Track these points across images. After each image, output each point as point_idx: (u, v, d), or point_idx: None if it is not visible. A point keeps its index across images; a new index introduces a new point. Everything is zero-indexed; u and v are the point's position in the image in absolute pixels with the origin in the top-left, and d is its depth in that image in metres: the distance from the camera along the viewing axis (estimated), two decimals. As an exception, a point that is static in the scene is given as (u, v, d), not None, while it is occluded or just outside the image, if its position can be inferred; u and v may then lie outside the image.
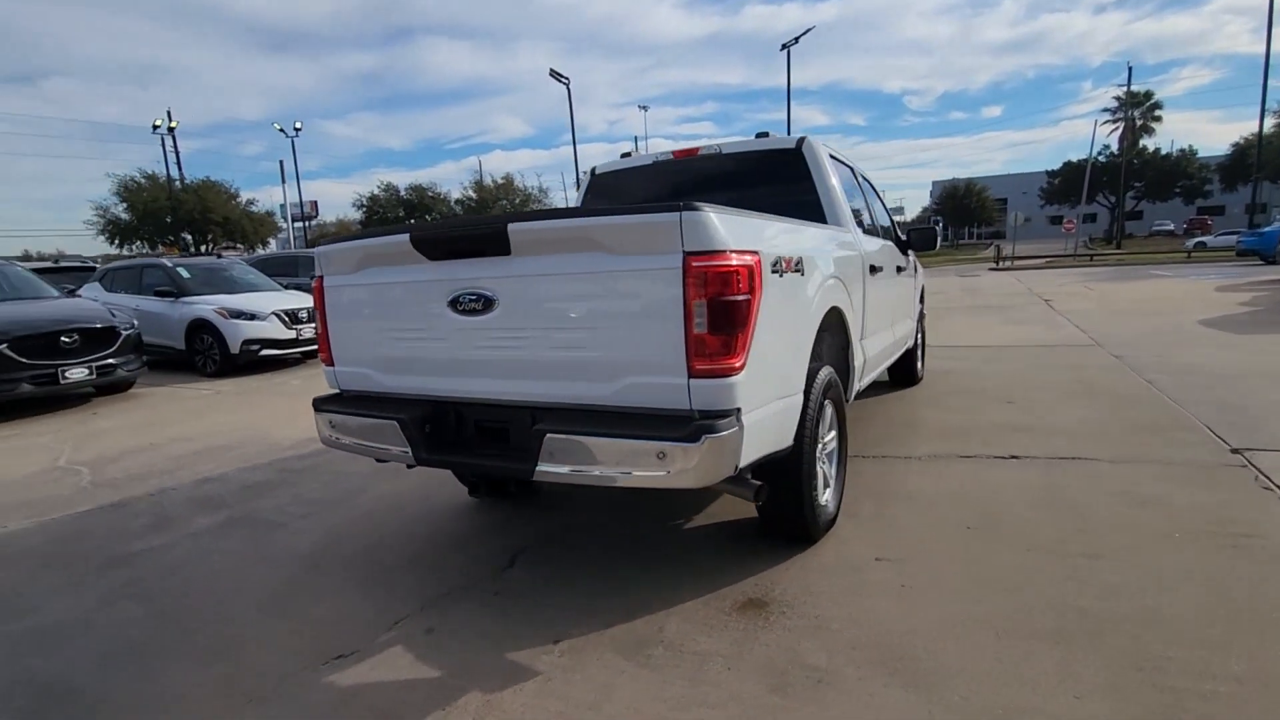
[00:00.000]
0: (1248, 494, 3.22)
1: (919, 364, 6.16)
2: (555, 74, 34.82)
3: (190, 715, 2.07)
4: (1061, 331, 8.99)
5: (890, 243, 4.79)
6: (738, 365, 2.10)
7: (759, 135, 3.88)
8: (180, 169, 40.88)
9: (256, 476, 4.44)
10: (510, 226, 2.24)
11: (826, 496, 3.06)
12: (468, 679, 2.16)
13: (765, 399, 2.31)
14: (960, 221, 64.08)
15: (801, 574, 2.70)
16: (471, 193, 43.83)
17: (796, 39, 30.12)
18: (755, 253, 2.20)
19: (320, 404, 2.86)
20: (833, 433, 3.15)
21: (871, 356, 3.85)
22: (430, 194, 44.16)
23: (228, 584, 2.96)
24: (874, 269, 3.78)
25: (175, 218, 37.06)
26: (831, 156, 3.93)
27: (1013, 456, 3.98)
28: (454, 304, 2.44)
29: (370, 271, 2.67)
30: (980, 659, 2.10)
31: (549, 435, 2.21)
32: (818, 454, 2.94)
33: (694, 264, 2.02)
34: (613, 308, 2.19)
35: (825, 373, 2.91)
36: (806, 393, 2.71)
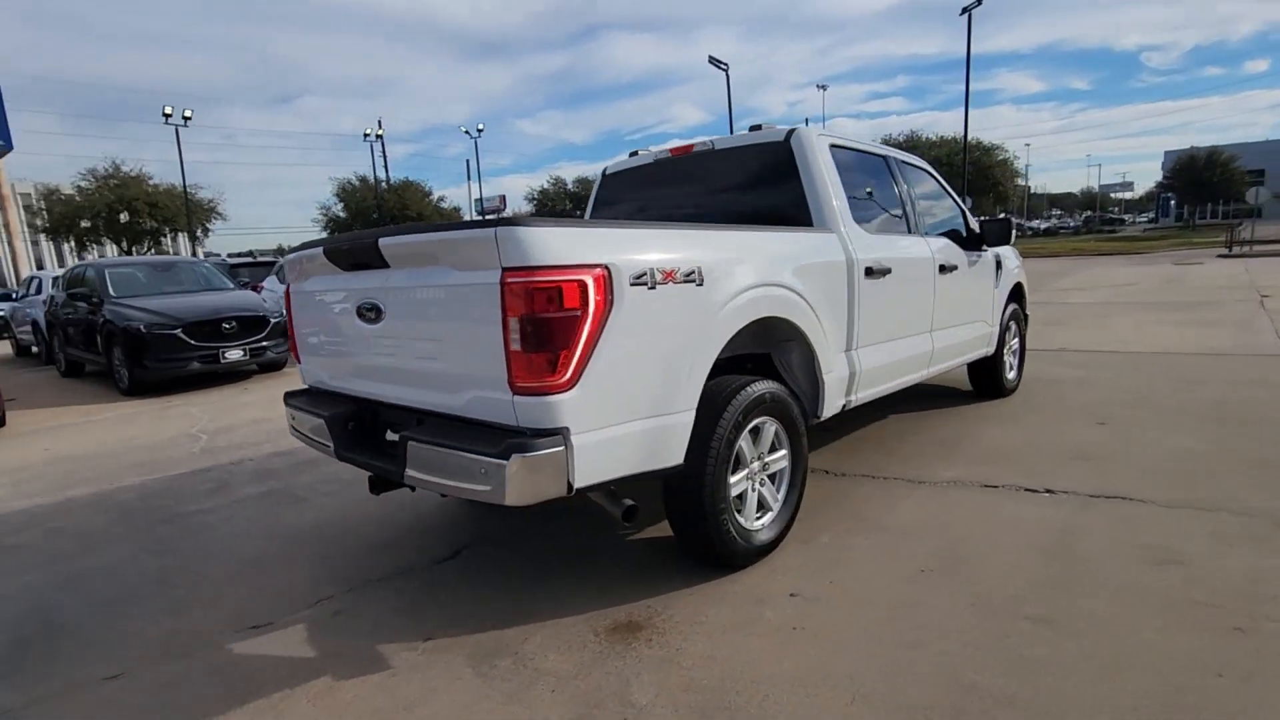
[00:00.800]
0: (1323, 565, 2.50)
1: (1008, 373, 5.42)
2: (714, 61, 34.57)
3: (118, 657, 2.44)
4: (1252, 337, 7.41)
5: (943, 240, 4.27)
6: (562, 383, 2.04)
7: (752, 128, 3.63)
8: (387, 171, 46.38)
9: (317, 454, 5.01)
10: (380, 241, 2.34)
11: (763, 521, 2.85)
12: (330, 664, 2.33)
13: (620, 417, 2.21)
14: (1199, 198, 54.37)
15: (699, 602, 2.56)
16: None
17: (979, 0, 27.19)
18: (600, 266, 2.11)
19: (287, 398, 3.19)
20: (779, 453, 2.92)
21: (871, 369, 3.48)
22: (596, 185, 45.98)
23: (227, 549, 3.41)
24: (873, 272, 3.40)
25: (379, 214, 42.14)
26: (838, 147, 3.58)
27: (1048, 490, 3.40)
28: (359, 312, 2.60)
29: (313, 280, 2.92)
30: (813, 723, 1.87)
31: (410, 442, 2.30)
32: (746, 475, 2.76)
33: (510, 280, 1.99)
34: (455, 321, 2.22)
35: (759, 388, 2.71)
36: (715, 411, 2.55)
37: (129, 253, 37.02)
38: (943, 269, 4.11)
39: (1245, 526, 2.85)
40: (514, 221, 2.00)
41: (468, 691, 2.12)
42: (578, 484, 2.12)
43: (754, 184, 3.58)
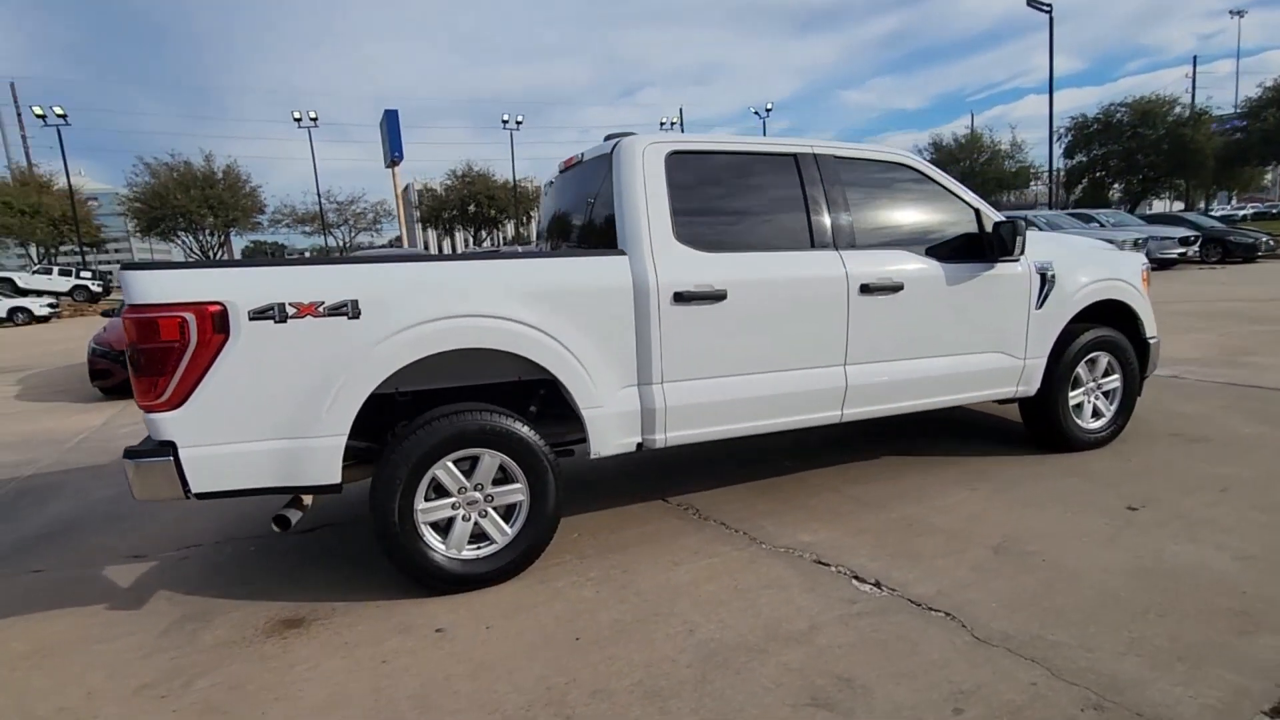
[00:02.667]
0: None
1: (1084, 421, 4.09)
2: (1035, 3, 29.32)
3: (57, 559, 3.48)
4: None
5: (884, 252, 3.48)
6: (162, 404, 2.39)
7: (608, 137, 3.38)
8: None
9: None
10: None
11: (479, 552, 2.84)
12: (121, 597, 3.01)
13: (240, 436, 2.47)
14: None
15: (366, 615, 2.69)
16: (928, 154, 40.52)
17: None
18: (213, 303, 2.39)
19: None
20: (512, 485, 2.86)
21: (697, 405, 3.10)
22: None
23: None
24: (688, 297, 2.99)
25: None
26: (691, 153, 3.18)
27: (875, 584, 2.68)
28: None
29: None
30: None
31: (153, 436, 2.87)
32: (453, 505, 2.79)
33: (126, 315, 2.39)
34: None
35: (463, 421, 2.72)
36: (400, 438, 2.66)
37: (476, 238, 45.46)
38: (867, 289, 3.35)
39: (1030, 694, 1.97)
40: (133, 266, 2.40)
41: (138, 642, 2.62)
42: (196, 489, 2.47)
43: (600, 200, 3.38)
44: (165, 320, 2.36)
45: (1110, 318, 4.17)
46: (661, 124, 45.54)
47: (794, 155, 3.41)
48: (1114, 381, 4.17)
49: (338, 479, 2.62)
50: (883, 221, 3.58)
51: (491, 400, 2.96)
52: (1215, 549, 2.78)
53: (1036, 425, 4.14)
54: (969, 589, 2.58)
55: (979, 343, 3.72)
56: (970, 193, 3.78)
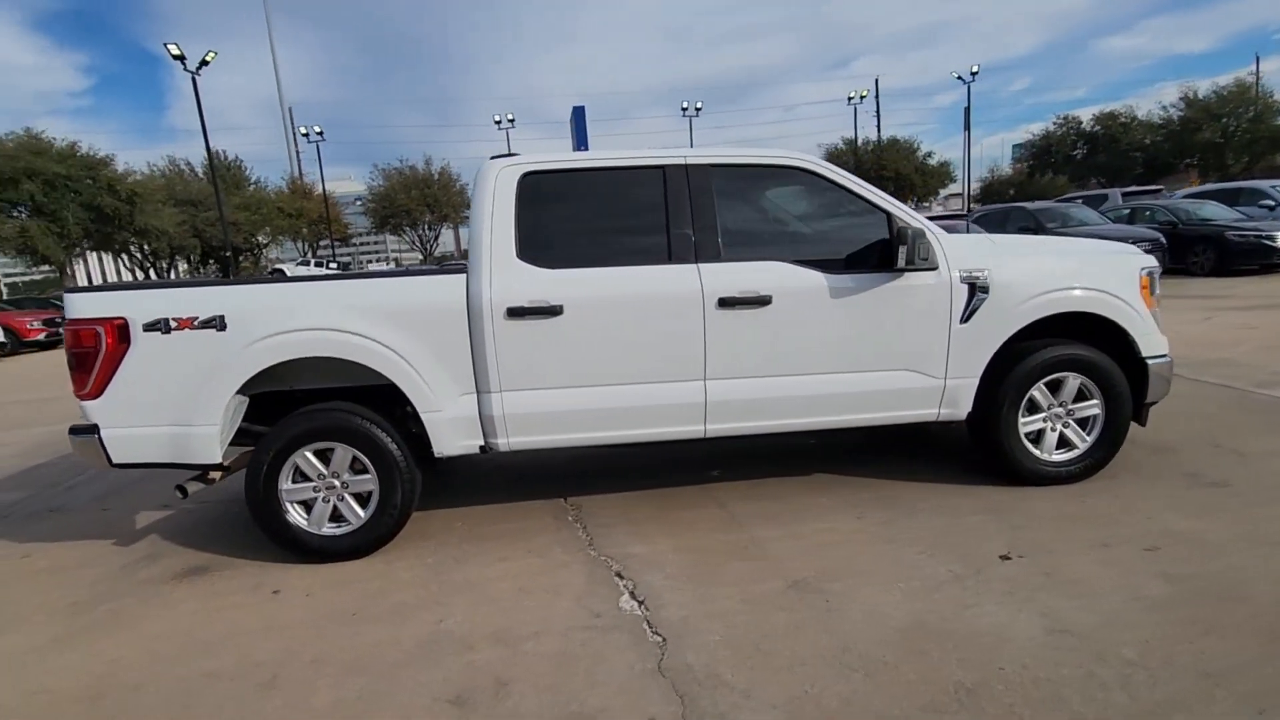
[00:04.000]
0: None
1: (1044, 452, 3.55)
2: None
3: (123, 504, 4.58)
4: None
5: (755, 264, 3.32)
6: (86, 395, 3.13)
7: (491, 158, 3.60)
8: (879, 131, 46.29)
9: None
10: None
11: (338, 530, 3.31)
12: (129, 534, 3.97)
13: (142, 422, 3.15)
14: None
15: (249, 572, 3.27)
16: (1175, 111, 33.75)
17: None
18: (118, 318, 3.09)
19: None
20: (364, 476, 3.28)
21: (539, 414, 3.27)
22: (1122, 120, 36.31)
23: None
24: (521, 312, 3.16)
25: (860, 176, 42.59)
26: (547, 172, 3.32)
27: (641, 602, 2.70)
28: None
29: None
30: None
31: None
32: (313, 489, 3.28)
33: (65, 327, 3.17)
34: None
35: (320, 419, 3.21)
36: (269, 429, 3.22)
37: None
38: (727, 303, 3.25)
39: (634, 728, 1.97)
40: (71, 289, 3.17)
41: (103, 571, 3.45)
42: (115, 461, 3.20)
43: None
44: (84, 331, 3.10)
45: (1094, 333, 3.55)
46: (849, 98, 43.29)
47: (662, 168, 3.39)
48: (1092, 408, 3.55)
49: (219, 459, 3.23)
50: (759, 231, 3.45)
51: (380, 399, 3.40)
52: (1037, 615, 2.39)
53: (982, 452, 3.68)
54: (716, 619, 2.52)
55: (881, 360, 3.41)
56: (884, 196, 3.46)
